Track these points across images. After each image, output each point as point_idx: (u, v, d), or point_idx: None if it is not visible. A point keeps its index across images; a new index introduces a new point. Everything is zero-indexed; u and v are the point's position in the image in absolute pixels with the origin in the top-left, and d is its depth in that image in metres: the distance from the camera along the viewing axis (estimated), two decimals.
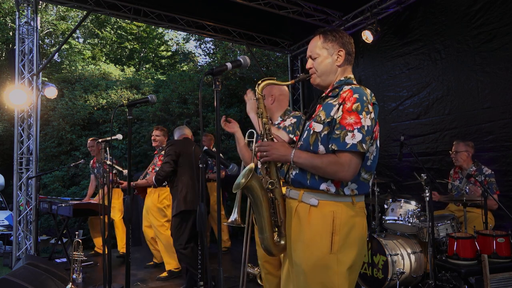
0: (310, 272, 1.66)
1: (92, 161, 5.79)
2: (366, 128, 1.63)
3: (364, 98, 1.65)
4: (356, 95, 1.65)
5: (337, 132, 1.65)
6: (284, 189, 1.88)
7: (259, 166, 1.89)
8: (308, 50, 1.90)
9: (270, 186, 1.80)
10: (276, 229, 1.82)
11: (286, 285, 1.85)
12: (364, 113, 1.63)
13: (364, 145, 1.62)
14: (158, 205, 4.58)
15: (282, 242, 1.82)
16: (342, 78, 1.83)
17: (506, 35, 4.33)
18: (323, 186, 1.70)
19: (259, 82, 1.86)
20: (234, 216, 2.11)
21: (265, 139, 1.83)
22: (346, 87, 1.72)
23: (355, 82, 1.83)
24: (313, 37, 1.88)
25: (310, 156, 1.71)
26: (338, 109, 1.68)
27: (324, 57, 1.82)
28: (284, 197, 1.85)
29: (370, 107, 1.66)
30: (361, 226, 1.73)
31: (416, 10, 5.35)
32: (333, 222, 1.65)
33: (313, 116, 1.84)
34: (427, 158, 5.15)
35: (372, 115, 1.66)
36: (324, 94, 1.86)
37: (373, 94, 1.72)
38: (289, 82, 1.99)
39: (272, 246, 1.80)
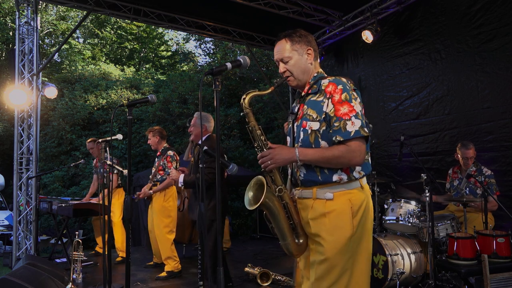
0: (337, 258, 1.73)
1: (94, 160, 5.78)
2: (360, 113, 1.74)
3: (347, 87, 1.76)
4: (340, 86, 1.75)
5: (336, 124, 1.73)
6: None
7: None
8: (276, 54, 1.92)
9: (279, 193, 1.82)
10: (293, 231, 1.86)
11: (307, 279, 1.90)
12: (353, 100, 1.74)
13: (365, 128, 1.73)
14: (164, 204, 4.56)
15: (301, 240, 1.86)
16: (316, 74, 1.92)
17: (506, 35, 4.32)
18: (335, 177, 1.77)
19: (244, 96, 1.86)
20: None
21: (264, 150, 1.82)
22: (325, 81, 1.81)
23: (325, 74, 1.93)
24: (279, 41, 1.91)
25: (319, 151, 1.76)
26: (327, 103, 1.76)
27: (297, 59, 1.89)
28: (292, 198, 1.88)
29: (355, 93, 1.77)
30: (370, 206, 1.83)
31: (416, 10, 5.35)
32: (351, 208, 1.75)
33: (299, 116, 1.87)
34: (427, 158, 5.15)
35: (359, 99, 1.78)
36: (303, 93, 1.91)
37: (349, 81, 1.80)
38: (269, 90, 1.97)
39: (294, 249, 1.86)
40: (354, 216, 1.75)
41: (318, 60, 1.97)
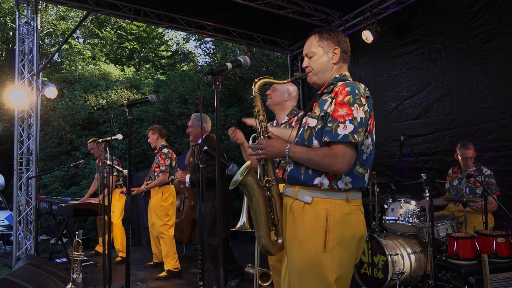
0: (304, 269, 1.66)
1: (97, 160, 5.79)
2: (358, 119, 1.64)
3: (357, 91, 1.67)
4: (348, 88, 1.67)
5: (329, 124, 1.66)
6: (281, 187, 1.88)
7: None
8: (304, 49, 1.92)
9: (267, 184, 1.80)
10: (273, 227, 1.82)
11: (284, 283, 1.85)
12: (356, 105, 1.65)
13: (356, 135, 1.62)
14: (162, 203, 4.58)
15: (280, 240, 1.81)
16: (337, 76, 1.85)
17: (506, 35, 4.32)
18: (316, 181, 1.69)
19: (256, 80, 1.87)
20: (243, 220, 2.10)
21: (261, 137, 1.84)
22: (340, 83, 1.74)
23: (350, 79, 1.85)
24: (309, 36, 1.90)
25: (305, 150, 1.71)
26: (331, 103, 1.70)
27: (320, 55, 1.84)
28: (281, 195, 1.86)
29: (363, 100, 1.67)
30: (357, 224, 1.70)
31: (416, 10, 5.34)
32: (327, 220, 1.64)
33: (309, 113, 1.85)
34: (427, 158, 5.15)
35: (366, 107, 1.67)
36: (319, 92, 1.88)
37: (367, 89, 1.73)
38: (286, 81, 2.00)
39: (269, 245, 1.80)
40: (330, 230, 1.63)
41: (347, 64, 1.89)
